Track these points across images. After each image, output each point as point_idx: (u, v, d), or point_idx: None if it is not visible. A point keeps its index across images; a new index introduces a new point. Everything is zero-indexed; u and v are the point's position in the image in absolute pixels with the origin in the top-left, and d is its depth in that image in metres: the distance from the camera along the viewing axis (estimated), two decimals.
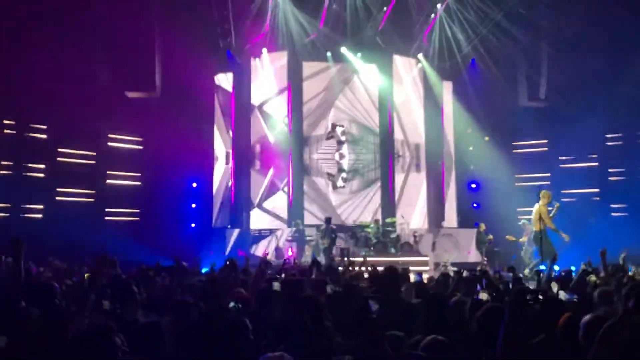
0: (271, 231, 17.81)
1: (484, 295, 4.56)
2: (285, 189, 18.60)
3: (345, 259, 13.08)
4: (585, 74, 16.29)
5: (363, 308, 3.87)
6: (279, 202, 18.62)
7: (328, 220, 16.17)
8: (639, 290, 4.47)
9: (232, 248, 16.91)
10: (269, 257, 14.45)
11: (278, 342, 3.64)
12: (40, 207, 15.90)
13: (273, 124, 18.83)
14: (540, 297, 3.58)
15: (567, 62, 16.47)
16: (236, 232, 17.63)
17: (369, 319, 3.67)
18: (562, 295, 5.20)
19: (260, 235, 17.74)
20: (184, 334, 4.04)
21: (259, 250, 16.87)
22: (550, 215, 11.90)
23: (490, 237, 16.46)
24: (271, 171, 18.70)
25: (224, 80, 19.17)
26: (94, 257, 8.95)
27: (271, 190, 18.71)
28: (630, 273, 8.02)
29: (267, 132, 18.85)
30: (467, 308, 4.43)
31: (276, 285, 5.12)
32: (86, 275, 5.94)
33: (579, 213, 15.97)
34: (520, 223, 16.16)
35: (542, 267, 10.92)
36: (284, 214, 18.49)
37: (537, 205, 11.93)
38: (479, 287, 5.25)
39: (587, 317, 3.20)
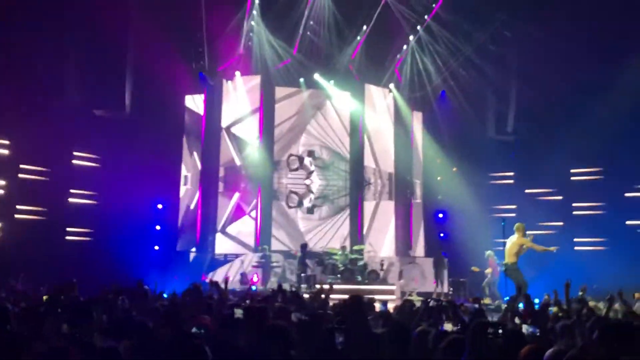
0: (237, 256, 17.57)
1: (448, 326, 4.52)
2: (253, 213, 18.44)
3: (313, 286, 12.97)
4: (552, 109, 16.69)
5: (328, 340, 3.79)
6: (246, 227, 18.42)
7: (303, 247, 16.14)
8: (602, 323, 4.49)
9: (196, 272, 16.59)
10: (230, 281, 14.21)
11: None
12: None
13: (242, 147, 18.72)
14: (500, 330, 3.57)
15: (535, 97, 16.86)
16: (200, 256, 17.35)
17: (334, 351, 3.60)
18: (525, 328, 5.20)
19: (226, 260, 17.48)
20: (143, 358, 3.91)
21: (221, 275, 16.58)
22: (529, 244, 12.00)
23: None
24: (237, 195, 18.52)
25: (194, 101, 19.04)
26: (53, 278, 8.69)
27: (237, 214, 18.51)
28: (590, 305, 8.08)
29: (235, 155, 18.72)
30: (431, 338, 4.38)
31: (238, 312, 4.99)
32: (44, 297, 5.73)
33: (544, 245, 16.18)
34: (485, 255, 16.31)
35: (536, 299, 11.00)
36: (251, 238, 18.30)
37: (513, 238, 12.02)
38: (444, 317, 5.21)
39: (550, 351, 3.19)
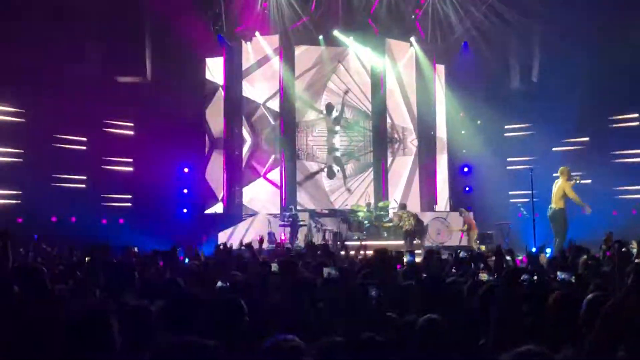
0: (263, 216, 17.75)
1: (484, 276, 4.55)
2: (274, 174, 18.54)
3: (339, 243, 13.11)
4: (577, 58, 16.22)
5: (363, 295, 3.85)
6: (271, 188, 18.58)
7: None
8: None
9: (224, 233, 16.86)
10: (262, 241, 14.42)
11: (274, 323, 3.62)
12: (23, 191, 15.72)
13: (264, 108, 18.72)
14: (535, 277, 3.57)
15: (560, 46, 16.42)
16: (227, 217, 17.58)
17: (369, 305, 3.66)
18: (558, 274, 5.19)
19: (253, 220, 17.67)
20: (176, 317, 4.01)
21: (251, 235, 16.80)
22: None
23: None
24: (262, 156, 18.63)
25: (215, 64, 18.98)
26: (90, 243, 8.92)
27: (263, 175, 18.64)
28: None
29: (257, 116, 18.75)
30: (465, 288, 4.42)
31: (274, 267, 5.11)
32: (86, 258, 5.92)
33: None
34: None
35: (548, 249, 10.95)
36: (277, 198, 18.45)
37: (558, 182, 11.91)
38: (480, 266, 5.22)
39: (589, 297, 3.18)
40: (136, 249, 9.12)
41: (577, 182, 12.10)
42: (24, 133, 15.53)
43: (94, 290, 4.85)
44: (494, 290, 3.58)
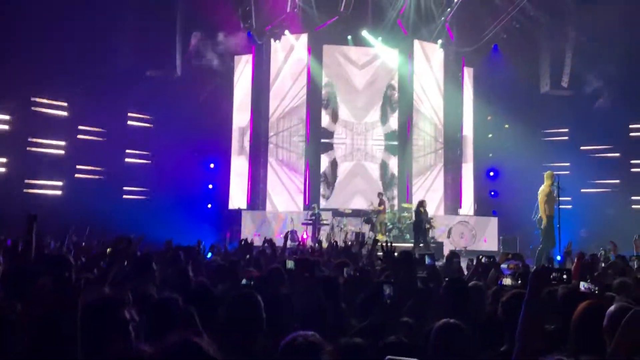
0: (287, 214, 17.82)
1: (507, 281, 4.47)
2: (301, 174, 18.61)
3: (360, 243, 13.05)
4: (610, 63, 15.91)
5: (377, 293, 3.84)
6: (295, 186, 18.65)
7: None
8: None
9: (247, 229, 16.97)
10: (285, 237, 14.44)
11: (293, 320, 3.62)
12: (60, 183, 16.00)
13: (291, 106, 18.83)
14: (565, 276, 3.48)
15: (592, 51, 16.13)
16: (251, 213, 17.69)
17: (382, 304, 3.64)
18: (581, 284, 5.10)
19: (277, 218, 17.76)
20: (198, 310, 4.04)
21: (275, 232, 16.88)
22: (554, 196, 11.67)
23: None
24: (287, 155, 18.73)
25: (244, 61, 19.11)
26: (110, 235, 9.03)
27: (287, 174, 18.73)
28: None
29: (284, 114, 18.86)
30: (489, 293, 4.36)
31: (290, 264, 5.10)
32: (108, 250, 5.98)
33: (599, 204, 15.76)
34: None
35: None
36: (300, 197, 18.52)
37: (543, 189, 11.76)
38: (505, 272, 5.14)
39: (613, 307, 3.10)
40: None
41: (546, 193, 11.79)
42: (66, 126, 15.87)
43: (110, 282, 4.90)
44: (519, 296, 3.51)
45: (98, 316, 2.88)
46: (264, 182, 18.70)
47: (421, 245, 14.31)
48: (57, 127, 15.87)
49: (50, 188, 15.70)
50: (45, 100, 15.75)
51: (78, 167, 16.42)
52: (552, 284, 3.44)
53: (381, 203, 16.46)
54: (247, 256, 7.35)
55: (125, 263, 5.54)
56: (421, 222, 14.72)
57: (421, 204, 15.06)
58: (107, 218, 13.32)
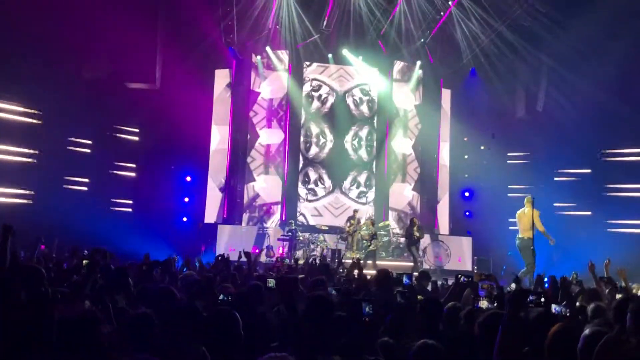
0: (264, 229, 17.76)
1: (483, 303, 4.52)
2: (279, 189, 18.62)
3: (337, 260, 13.05)
4: (584, 88, 16.29)
5: (356, 311, 3.85)
6: (272, 201, 18.64)
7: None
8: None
9: (223, 243, 16.85)
10: (258, 253, 14.39)
11: (271, 339, 3.61)
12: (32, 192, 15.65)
13: (272, 122, 18.90)
14: (543, 299, 3.55)
15: (566, 77, 16.50)
16: (228, 228, 17.58)
17: (361, 321, 3.65)
18: (553, 307, 5.18)
19: (252, 233, 17.67)
20: (173, 326, 3.99)
21: (248, 247, 16.78)
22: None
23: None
24: (265, 168, 18.75)
25: (224, 75, 19.11)
26: (92, 246, 8.91)
27: (265, 189, 18.73)
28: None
29: (264, 131, 18.91)
30: (462, 314, 4.40)
31: (271, 282, 5.09)
32: (84, 262, 5.91)
33: (571, 226, 16.02)
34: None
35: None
36: (277, 213, 18.50)
37: (525, 211, 11.91)
38: (481, 293, 5.20)
39: (587, 332, 3.16)
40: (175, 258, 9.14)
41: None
42: (39, 134, 15.58)
43: (87, 296, 4.84)
44: (495, 317, 3.56)
45: (75, 332, 2.85)
46: (240, 197, 18.62)
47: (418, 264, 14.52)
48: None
49: (20, 197, 15.35)
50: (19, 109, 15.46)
51: (61, 177, 16.17)
52: (529, 306, 3.50)
53: (355, 219, 16.46)
54: (224, 271, 7.31)
55: (99, 276, 5.48)
56: (417, 242, 14.94)
57: (413, 223, 15.24)
58: (92, 230, 13.16)
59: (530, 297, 3.49)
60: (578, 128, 16.44)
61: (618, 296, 6.00)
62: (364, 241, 16.45)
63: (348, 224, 16.28)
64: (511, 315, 2.90)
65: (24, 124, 15.34)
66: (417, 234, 15.04)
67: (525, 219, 11.95)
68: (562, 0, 15.34)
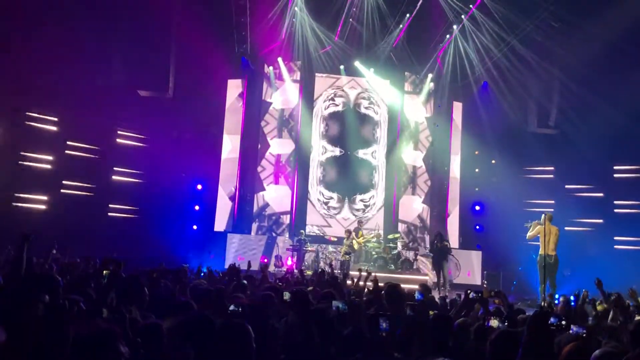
0: (273, 239, 17.79)
1: (494, 322, 4.50)
2: (288, 198, 18.67)
3: (344, 272, 13.06)
4: (596, 105, 16.24)
5: (373, 326, 3.85)
6: (282, 211, 18.68)
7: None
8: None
9: (232, 252, 16.91)
10: (268, 264, 14.45)
11: (280, 351, 3.62)
12: (45, 198, 15.77)
13: (282, 132, 19.00)
14: (564, 322, 3.54)
15: (579, 92, 16.45)
16: (237, 237, 17.63)
17: (379, 337, 3.66)
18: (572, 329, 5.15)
19: (261, 242, 17.71)
20: (185, 337, 4.00)
21: (257, 256, 16.81)
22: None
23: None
24: (275, 179, 18.82)
25: (236, 85, 19.24)
26: (96, 253, 8.96)
27: (275, 198, 18.78)
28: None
29: (275, 141, 19.00)
30: (473, 330, 4.39)
31: (287, 295, 5.10)
32: (104, 272, 5.89)
33: (581, 242, 15.92)
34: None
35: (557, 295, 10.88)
36: (287, 222, 18.54)
37: (551, 229, 11.87)
38: (491, 308, 5.17)
39: (598, 352, 3.16)
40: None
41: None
42: (56, 141, 15.74)
43: (104, 308, 4.84)
44: (507, 335, 3.56)
45: (91, 349, 2.78)
46: (250, 206, 18.68)
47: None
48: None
49: (36, 202, 15.47)
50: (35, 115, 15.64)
51: (65, 182, 16.23)
52: (550, 329, 3.49)
53: (352, 234, 16.42)
54: (235, 281, 7.33)
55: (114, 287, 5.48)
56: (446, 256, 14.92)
57: (442, 237, 15.24)
58: (93, 236, 13.20)
59: (552, 320, 3.47)
60: (589, 144, 16.38)
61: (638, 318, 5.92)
62: (373, 253, 16.45)
63: (350, 237, 16.23)
64: (532, 336, 2.91)
65: (43, 130, 15.58)
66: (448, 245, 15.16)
67: (551, 237, 11.88)
68: (575, 16, 15.30)
